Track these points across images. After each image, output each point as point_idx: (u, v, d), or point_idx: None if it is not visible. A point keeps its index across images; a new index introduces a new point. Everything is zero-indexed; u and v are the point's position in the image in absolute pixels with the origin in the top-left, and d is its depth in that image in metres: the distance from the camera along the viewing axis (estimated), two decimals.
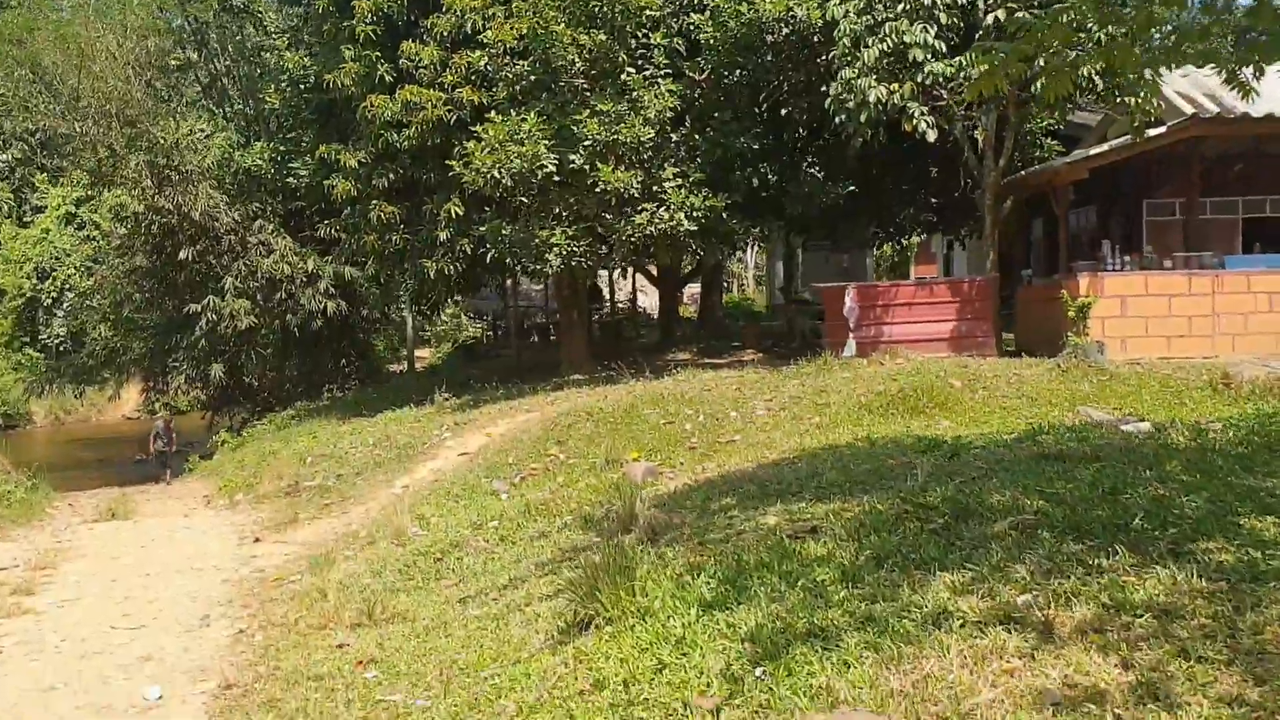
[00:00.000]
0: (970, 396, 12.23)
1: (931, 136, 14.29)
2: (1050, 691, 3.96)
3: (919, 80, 14.04)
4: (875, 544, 5.69)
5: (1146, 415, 11.15)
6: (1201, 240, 16.96)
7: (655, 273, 24.51)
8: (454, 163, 16.79)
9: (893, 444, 9.60)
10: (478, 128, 16.59)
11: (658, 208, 16.39)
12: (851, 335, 15.38)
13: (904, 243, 43.90)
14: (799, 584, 5.29)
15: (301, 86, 22.44)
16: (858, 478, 7.88)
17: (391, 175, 19.14)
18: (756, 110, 17.86)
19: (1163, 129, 14.63)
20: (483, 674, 5.77)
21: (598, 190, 16.28)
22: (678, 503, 8.34)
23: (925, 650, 4.35)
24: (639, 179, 16.13)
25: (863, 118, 14.18)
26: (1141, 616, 4.38)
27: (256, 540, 12.21)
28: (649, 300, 37.07)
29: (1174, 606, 4.44)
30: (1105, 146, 14.95)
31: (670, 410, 13.42)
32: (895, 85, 14.08)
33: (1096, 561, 4.98)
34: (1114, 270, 15.24)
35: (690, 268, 26.15)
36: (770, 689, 4.36)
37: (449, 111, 18.12)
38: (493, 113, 16.79)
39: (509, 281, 28.48)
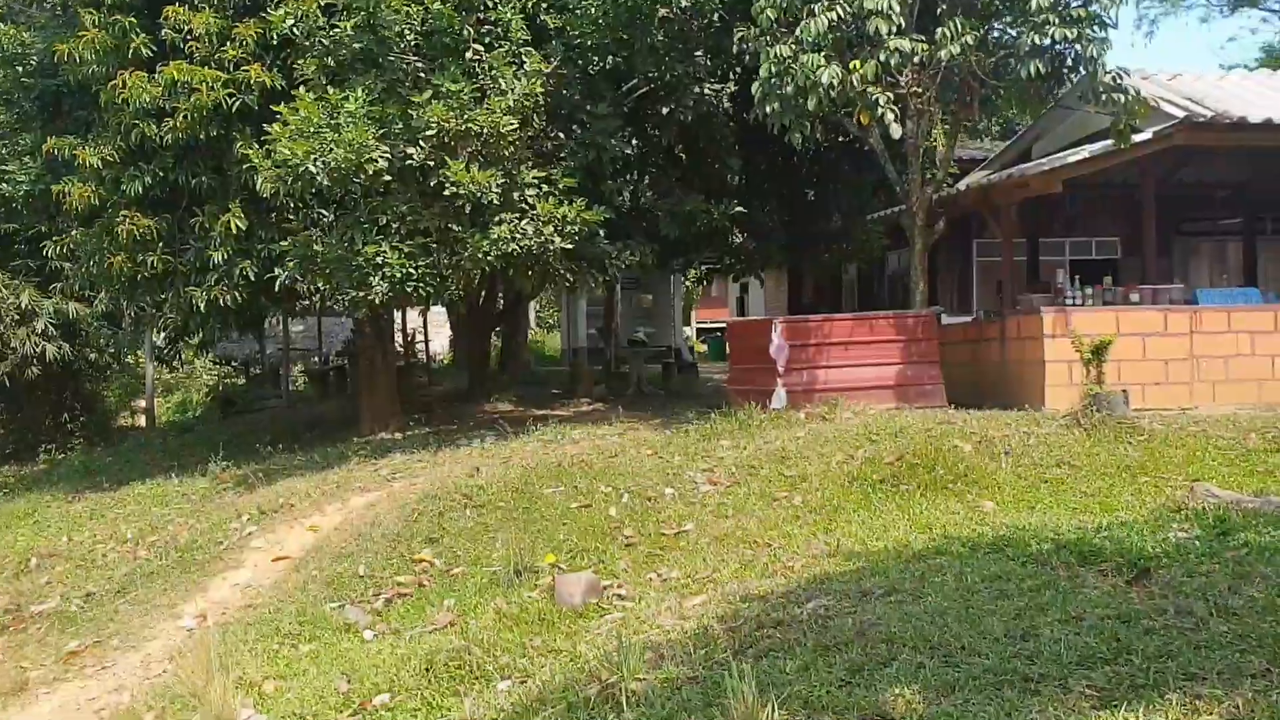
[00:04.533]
0: (993, 465, 9.21)
1: (896, 132, 11.29)
2: None
3: (881, 60, 11.03)
4: None
5: (1227, 484, 8.48)
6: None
7: (462, 310, 20.56)
8: (250, 152, 12.57)
9: (1023, 550, 6.37)
10: (282, 108, 12.45)
11: (520, 219, 12.71)
12: (780, 381, 12.15)
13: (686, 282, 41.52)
14: None
15: (20, 69, 17.31)
16: (1105, 641, 4.57)
17: (148, 179, 14.50)
18: (626, 107, 14.51)
19: (1148, 135, 12.26)
20: None
21: (444, 194, 12.46)
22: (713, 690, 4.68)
23: None
24: (499, 181, 12.42)
25: (810, 104, 11.02)
26: None
27: None
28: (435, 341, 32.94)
29: None
30: (1084, 153, 12.45)
31: (578, 487, 9.76)
32: (856, 64, 11.02)
33: None
34: (1076, 305, 12.72)
35: (503, 304, 22.44)
36: None
37: (230, 96, 13.84)
38: (300, 89, 12.67)
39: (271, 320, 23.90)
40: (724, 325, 42.30)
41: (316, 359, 30.28)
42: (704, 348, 40.82)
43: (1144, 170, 13.51)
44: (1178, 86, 13.17)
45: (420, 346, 29.91)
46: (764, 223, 16.85)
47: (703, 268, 28.21)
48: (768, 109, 11.46)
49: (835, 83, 10.88)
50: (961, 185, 14.26)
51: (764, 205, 16.53)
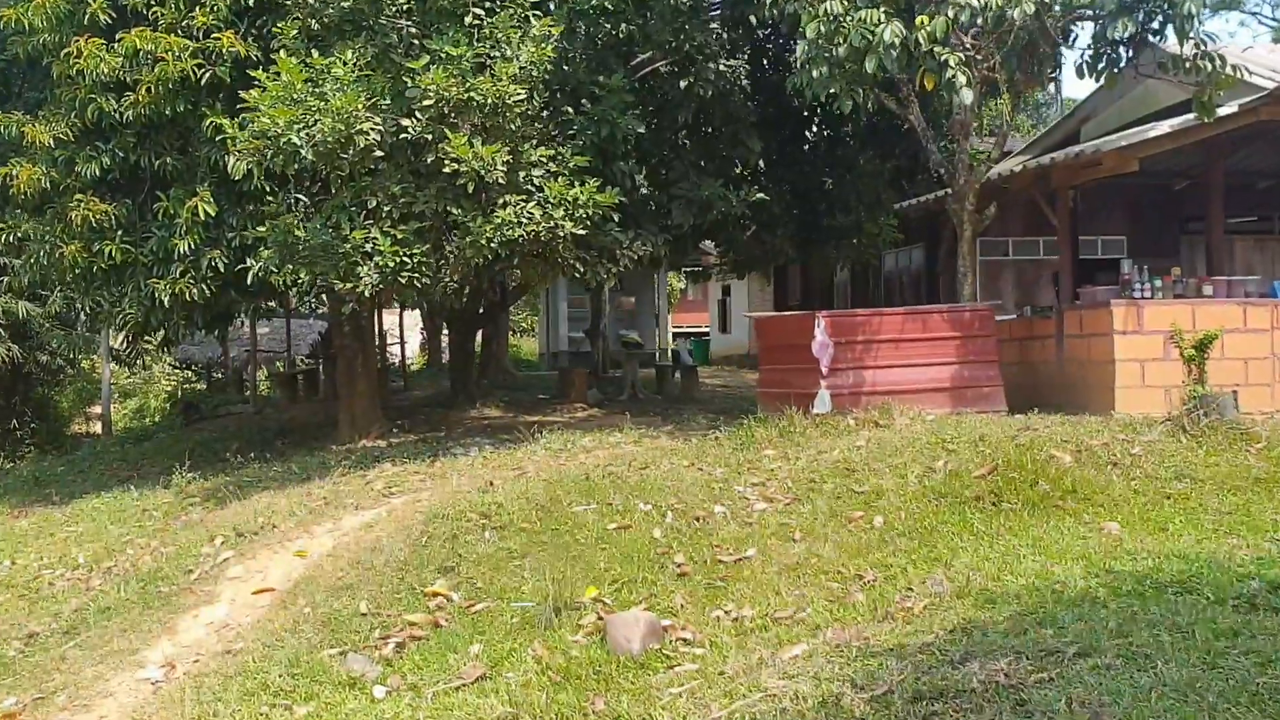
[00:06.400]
0: (1102, 479, 7.92)
1: (968, 98, 9.96)
2: None
3: (950, 16, 9.71)
4: None
5: None
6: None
7: (455, 306, 19.03)
8: (225, 122, 11.10)
9: (1219, 590, 5.06)
10: (260, 74, 10.99)
11: (526, 202, 11.30)
12: (824, 383, 10.79)
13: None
14: None
15: None
16: None
17: (106, 159, 13.00)
18: (639, 81, 13.16)
19: (1233, 108, 11.05)
20: None
21: (443, 173, 11.03)
22: None
23: None
24: (504, 158, 11.01)
25: (869, 66, 9.68)
26: None
27: None
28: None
29: None
30: (1164, 128, 11.21)
31: (613, 505, 8.36)
32: (923, 19, 9.68)
33: None
34: (1145, 298, 11.48)
35: (486, 304, 20.96)
36: None
37: (199, 67, 12.38)
38: (281, 53, 11.20)
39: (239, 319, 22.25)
40: (703, 330, 41.17)
41: (280, 364, 28.73)
42: None
43: (1210, 152, 12.33)
44: (1257, 57, 12.00)
45: (393, 349, 28.45)
46: (778, 214, 15.53)
47: (695, 266, 27.10)
48: (814, 73, 10.10)
49: (897, 42, 9.55)
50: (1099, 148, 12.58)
51: (779, 194, 15.19)
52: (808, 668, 5.25)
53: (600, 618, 6.59)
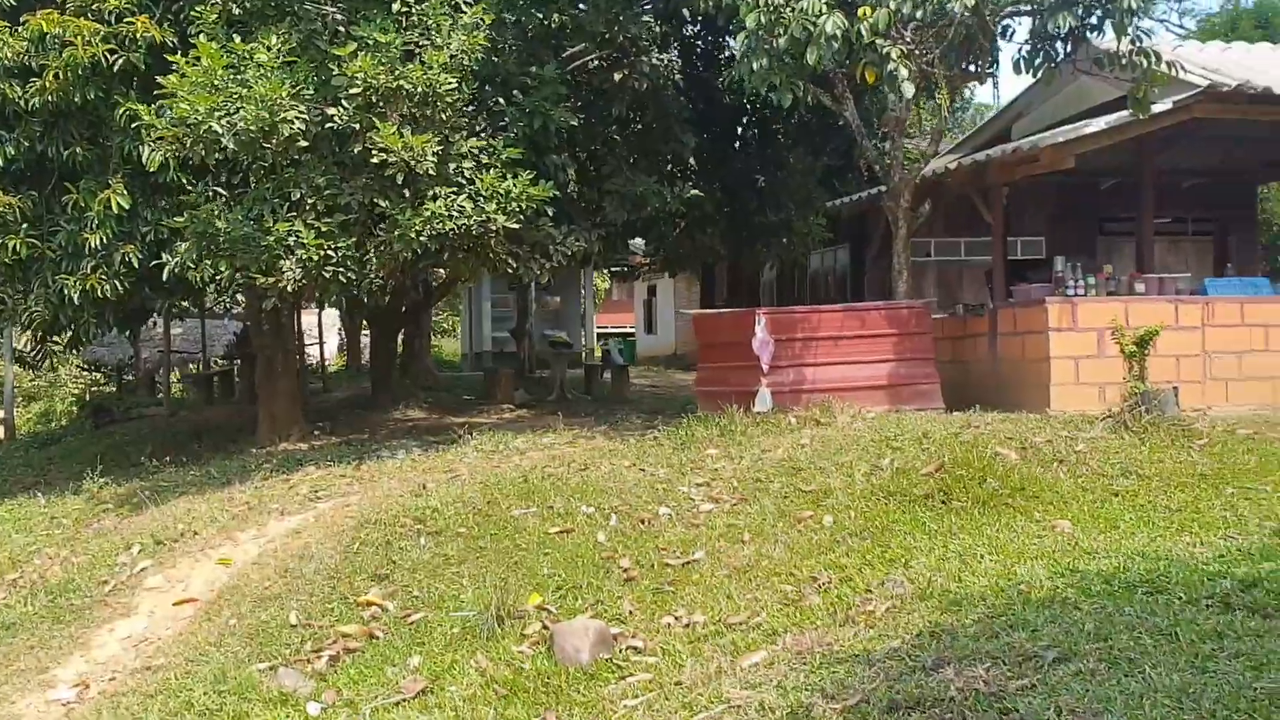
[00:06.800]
0: (1049, 476, 7.82)
1: (909, 92, 9.81)
2: None
3: (893, 8, 9.57)
4: None
5: None
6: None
7: (382, 302, 18.46)
8: (141, 109, 10.57)
9: (1191, 590, 4.94)
10: (179, 59, 10.50)
11: (457, 194, 10.95)
12: (764, 381, 10.60)
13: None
14: None
15: None
16: None
17: (10, 149, 12.32)
18: (571, 73, 12.87)
19: (1167, 104, 11.09)
20: None
21: (371, 163, 10.64)
22: None
23: None
24: (435, 149, 10.65)
25: (810, 58, 9.49)
26: None
27: None
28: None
29: None
30: (1100, 125, 11.20)
31: (554, 508, 8.07)
32: (865, 11, 9.52)
33: None
34: (1079, 295, 11.49)
35: (416, 298, 20.49)
36: None
37: (111, 53, 11.81)
38: (201, 37, 10.70)
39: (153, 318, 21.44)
40: (628, 330, 40.95)
41: (194, 366, 27.87)
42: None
43: (1142, 150, 12.41)
44: (1187, 55, 12.08)
45: (312, 349, 27.74)
46: (710, 211, 15.35)
47: (621, 266, 26.80)
48: (754, 66, 9.89)
49: (839, 33, 9.39)
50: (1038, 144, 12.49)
51: (711, 192, 15.02)
52: (770, 676, 5.02)
53: (545, 626, 6.29)
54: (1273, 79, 11.44)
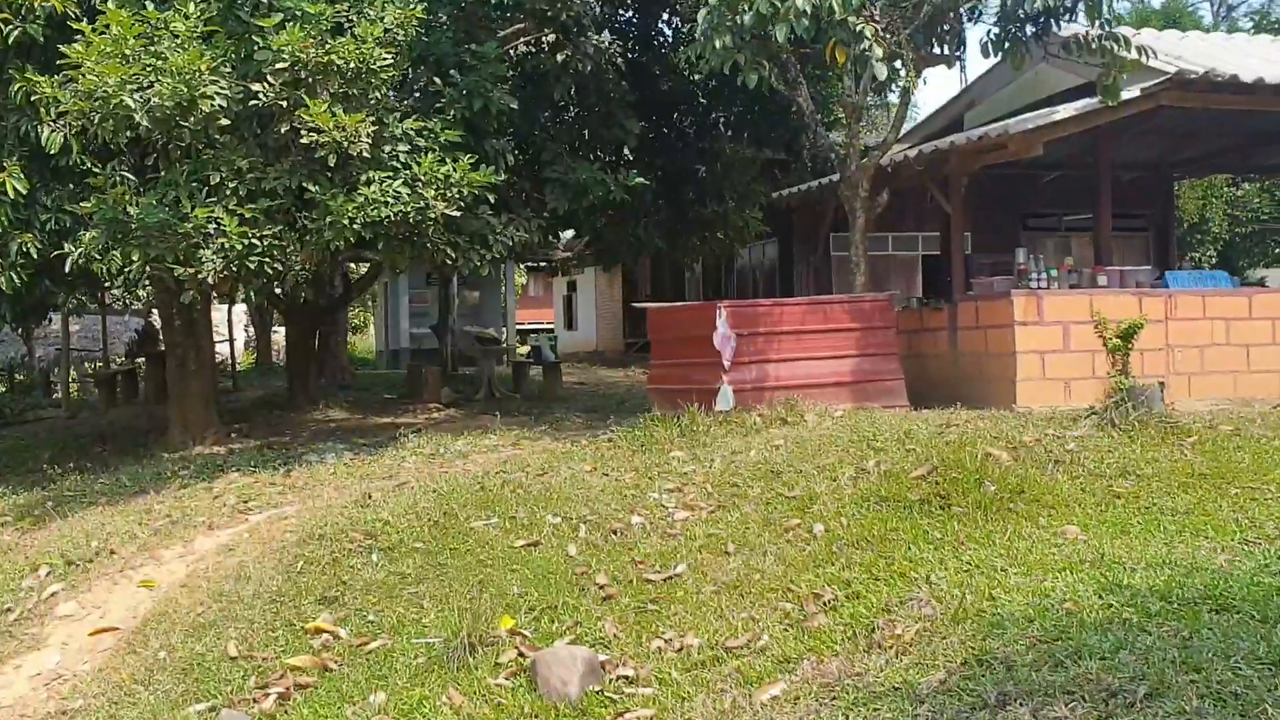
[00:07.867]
0: (1047, 478, 7.35)
1: (881, 73, 9.29)
2: None
3: None
4: None
5: None
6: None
7: (304, 297, 17.41)
8: (42, 80, 9.60)
9: (1259, 606, 4.47)
10: (84, 26, 9.55)
11: (392, 179, 10.16)
12: (726, 378, 10.01)
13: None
14: None
15: None
16: None
17: None
18: (512, 54, 12.16)
19: (1135, 92, 10.75)
20: None
21: (300, 144, 9.81)
22: None
23: None
24: (369, 129, 9.87)
25: (780, 35, 8.92)
26: None
27: None
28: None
29: None
30: (1071, 111, 10.81)
31: (519, 519, 7.39)
32: None
33: None
34: (1043, 288, 11.14)
35: (336, 292, 19.57)
36: None
37: (5, 24, 10.78)
38: (110, 3, 9.75)
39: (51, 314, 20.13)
40: (547, 326, 40.14)
41: (93, 365, 26.42)
42: (525, 348, 38.67)
43: (1101, 141, 12.11)
44: (1148, 43, 11.80)
45: (221, 346, 26.48)
46: (649, 202, 14.72)
47: (543, 261, 26.03)
48: (716, 44, 9.28)
49: (809, 9, 8.84)
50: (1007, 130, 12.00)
51: (650, 182, 14.40)
52: (797, 714, 4.43)
53: (521, 654, 5.62)
54: (1236, 67, 11.21)
